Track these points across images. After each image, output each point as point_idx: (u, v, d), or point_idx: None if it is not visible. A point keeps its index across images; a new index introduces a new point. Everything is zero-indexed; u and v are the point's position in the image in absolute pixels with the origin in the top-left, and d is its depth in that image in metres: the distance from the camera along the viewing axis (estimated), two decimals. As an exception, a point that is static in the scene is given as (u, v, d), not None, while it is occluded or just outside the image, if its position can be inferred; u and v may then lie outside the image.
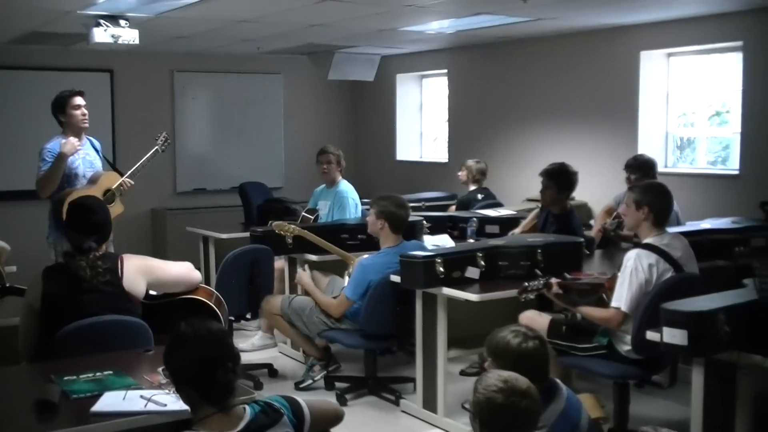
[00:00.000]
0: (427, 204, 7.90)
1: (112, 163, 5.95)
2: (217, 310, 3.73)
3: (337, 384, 5.44)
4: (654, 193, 4.29)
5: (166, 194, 9.29)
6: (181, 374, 2.31)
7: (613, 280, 4.23)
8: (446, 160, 9.33)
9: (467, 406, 2.93)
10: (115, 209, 5.32)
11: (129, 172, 5.55)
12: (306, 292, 5.41)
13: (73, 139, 5.34)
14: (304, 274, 5.44)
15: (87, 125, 5.52)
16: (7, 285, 3.97)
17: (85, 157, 5.50)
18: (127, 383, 2.87)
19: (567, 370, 4.46)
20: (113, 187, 5.46)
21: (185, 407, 2.39)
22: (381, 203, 5.19)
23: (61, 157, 5.27)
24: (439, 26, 7.31)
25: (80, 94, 5.51)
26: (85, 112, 5.48)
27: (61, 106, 5.45)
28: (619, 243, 5.95)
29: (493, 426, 2.45)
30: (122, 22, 6.16)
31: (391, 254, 5.07)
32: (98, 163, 5.63)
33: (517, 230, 6.16)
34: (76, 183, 5.42)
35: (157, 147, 5.82)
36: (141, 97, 9.14)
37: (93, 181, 5.43)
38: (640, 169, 5.99)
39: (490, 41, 8.36)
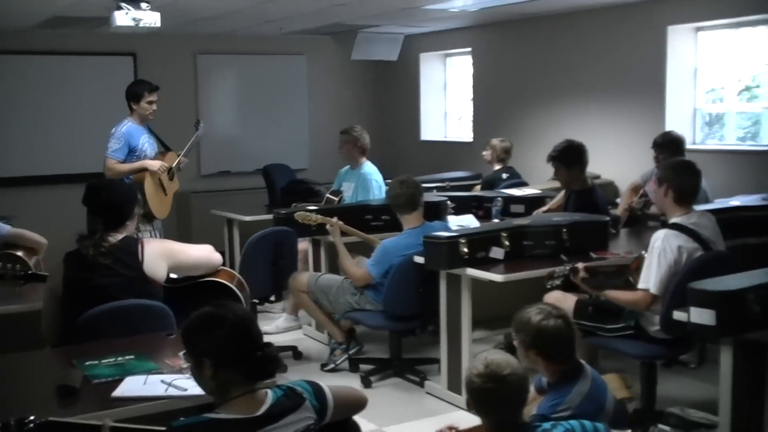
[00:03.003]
0: (452, 184, 7.88)
1: (167, 145, 6.27)
2: (239, 293, 3.74)
3: (362, 366, 5.44)
4: (676, 170, 4.24)
5: (191, 177, 9.27)
6: (225, 353, 2.28)
7: (639, 260, 4.19)
8: (471, 140, 9.30)
9: None
10: (173, 186, 6.17)
11: (183, 151, 6.22)
12: (336, 268, 5.36)
13: (160, 165, 5.95)
14: (335, 230, 5.43)
15: (153, 118, 6.10)
16: (30, 272, 3.98)
17: (149, 140, 6.06)
18: (149, 367, 2.87)
19: (593, 350, 4.45)
20: (174, 165, 6.14)
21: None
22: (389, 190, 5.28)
23: (143, 166, 5.88)
24: (462, 3, 7.25)
25: (156, 89, 6.11)
26: (155, 108, 6.08)
27: (137, 97, 6.00)
28: (646, 221, 5.91)
29: (476, 406, 2.56)
30: (143, 4, 6.16)
31: (414, 235, 5.06)
32: (156, 146, 6.16)
33: (543, 209, 6.13)
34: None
35: (198, 133, 6.48)
36: (164, 80, 8.90)
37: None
38: (668, 147, 5.94)
39: (515, 18, 8.29)
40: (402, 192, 5.17)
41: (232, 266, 6.51)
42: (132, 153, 5.91)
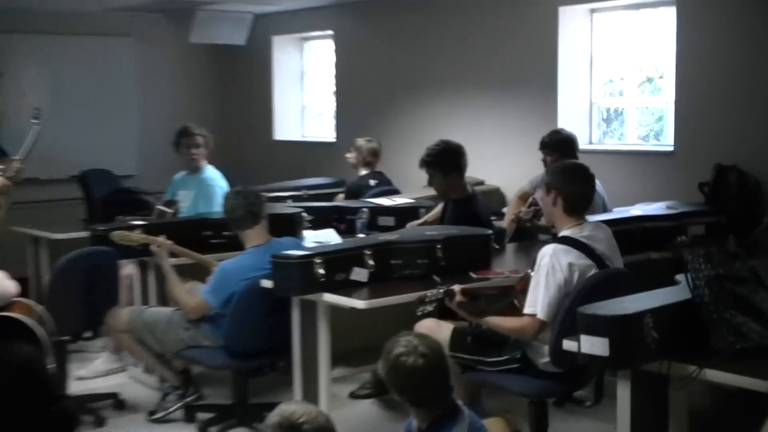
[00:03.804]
0: (310, 192, 7.88)
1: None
2: (37, 329, 3.56)
3: (200, 414, 5.33)
4: (565, 175, 4.31)
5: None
6: (2, 412, 2.14)
7: (525, 280, 4.22)
8: (333, 140, 9.33)
9: None
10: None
11: (20, 153, 6.18)
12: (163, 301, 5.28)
13: None
14: (161, 251, 5.35)
15: None
16: None
17: None
18: None
19: (476, 387, 4.47)
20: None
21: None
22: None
23: None
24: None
25: None
26: None
27: None
28: (536, 235, 6.03)
29: None
30: None
31: (260, 254, 5.01)
32: None
33: (417, 222, 6.18)
34: None
35: (36, 126, 6.36)
36: (-48, 66, 8.76)
37: None
38: (558, 147, 6.07)
39: (384, -4, 8.41)
40: (238, 203, 5.13)
41: (39, 296, 6.23)
42: None
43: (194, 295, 5.20)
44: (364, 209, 6.51)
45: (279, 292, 4.78)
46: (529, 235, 6.09)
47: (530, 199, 6.07)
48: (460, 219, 5.57)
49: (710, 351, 3.37)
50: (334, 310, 4.67)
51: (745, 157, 6.17)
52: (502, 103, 7.76)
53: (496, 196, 7.45)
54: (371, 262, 4.87)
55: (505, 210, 6.81)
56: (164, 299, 5.66)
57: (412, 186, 7.59)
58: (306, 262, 4.64)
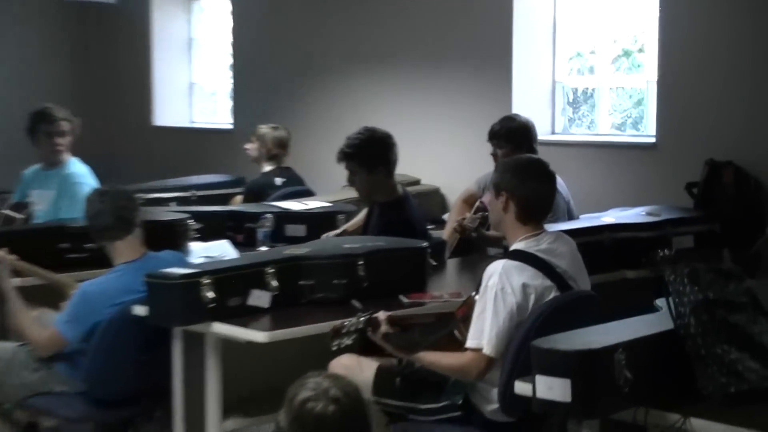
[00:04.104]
0: (200, 193, 7.88)
1: None
2: None
3: (50, 481, 5.26)
4: (519, 173, 4.30)
5: None
6: None
7: (468, 306, 4.21)
8: (230, 126, 9.34)
9: None
10: None
11: None
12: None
13: None
14: (2, 267, 5.25)
15: None
16: None
17: None
18: None
19: (406, 441, 4.47)
20: None
21: None
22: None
23: None
24: None
25: None
26: None
27: None
28: (484, 248, 6.04)
29: None
30: None
31: (131, 273, 4.93)
32: None
33: (335, 232, 6.19)
34: None
35: None
36: None
37: None
38: (510, 138, 6.11)
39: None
40: (104, 208, 5.04)
41: None
42: None
43: (45, 326, 5.09)
44: (268, 215, 6.48)
45: (156, 321, 4.71)
46: (476, 249, 6.10)
47: (477, 203, 6.08)
48: (388, 227, 5.60)
49: (697, 395, 3.35)
50: (227, 344, 4.63)
51: (744, 152, 6.27)
52: (442, 82, 7.79)
53: (434, 199, 7.51)
54: (275, 283, 4.83)
55: (445, 217, 6.82)
56: (4, 331, 5.54)
57: (329, 186, 7.60)
58: (191, 282, 4.59)
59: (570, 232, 4.61)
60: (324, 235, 6.13)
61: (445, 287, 5.27)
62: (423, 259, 5.32)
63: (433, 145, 7.66)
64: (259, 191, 7.48)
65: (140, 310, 4.79)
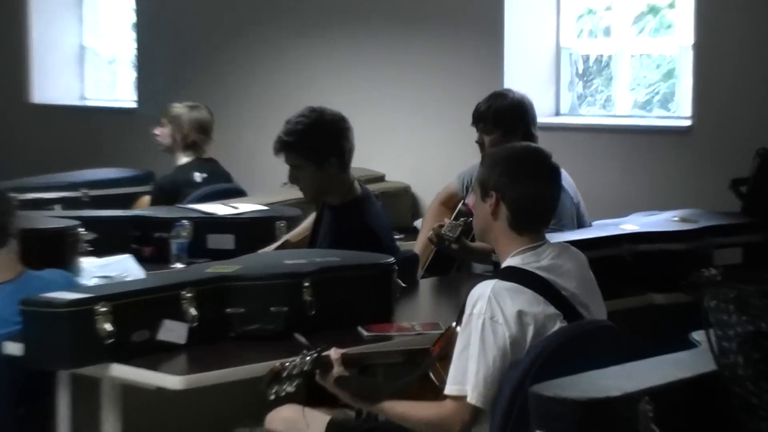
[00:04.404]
0: (94, 193, 7.82)
1: None
2: None
3: None
4: (511, 166, 4.20)
5: None
6: None
7: (446, 340, 4.18)
8: (133, 105, 9.40)
9: None
10: None
11: None
12: None
13: None
14: None
15: None
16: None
17: None
18: None
19: None
20: None
21: None
22: None
23: None
24: None
25: None
26: None
27: None
28: (467, 263, 6.04)
29: None
30: None
31: (2, 298, 4.86)
32: None
33: (274, 245, 6.13)
34: None
35: None
36: None
37: None
38: (500, 121, 6.04)
39: None
40: None
41: None
42: None
43: None
44: (185, 222, 6.42)
45: (35, 363, 4.64)
46: (457, 265, 6.10)
47: (459, 206, 6.09)
48: (343, 238, 5.54)
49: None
50: (131, 391, 4.58)
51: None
52: (414, 49, 7.81)
53: (403, 201, 7.56)
54: (194, 312, 4.72)
55: (418, 224, 6.85)
56: None
57: (265, 184, 7.66)
58: (82, 311, 4.48)
59: (579, 244, 4.54)
60: (262, 250, 6.04)
61: (417, 316, 5.21)
62: (388, 280, 5.22)
63: (403, 131, 7.74)
64: (172, 190, 7.43)
65: (14, 348, 4.71)
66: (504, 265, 4.15)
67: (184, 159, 7.61)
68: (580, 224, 5.94)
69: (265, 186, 7.57)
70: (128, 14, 9.60)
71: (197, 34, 8.97)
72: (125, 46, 9.74)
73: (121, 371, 4.48)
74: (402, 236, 6.31)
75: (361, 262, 5.28)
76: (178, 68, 8.97)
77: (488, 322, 3.95)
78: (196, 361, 4.62)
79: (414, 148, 7.67)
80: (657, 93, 7.43)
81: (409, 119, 7.73)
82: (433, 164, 7.39)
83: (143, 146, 8.33)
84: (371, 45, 8.03)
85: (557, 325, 4.02)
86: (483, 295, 3.99)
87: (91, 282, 5.32)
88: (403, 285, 5.44)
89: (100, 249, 6.17)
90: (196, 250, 6.36)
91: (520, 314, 3.97)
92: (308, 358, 4.12)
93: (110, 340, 4.50)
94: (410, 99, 7.74)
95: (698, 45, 6.75)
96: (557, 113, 7.42)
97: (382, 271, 5.24)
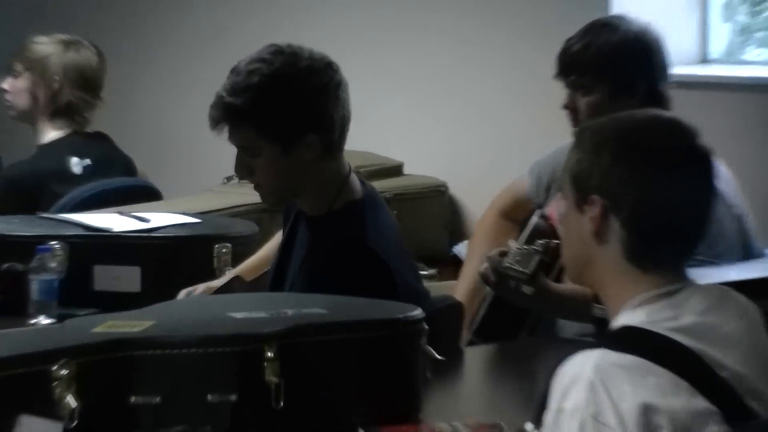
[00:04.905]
0: None
1: None
2: None
3: None
4: (629, 152, 3.30)
5: None
6: None
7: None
8: None
9: None
10: None
11: None
12: None
13: None
14: None
15: None
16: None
17: None
18: None
19: None
20: None
21: None
22: None
23: None
24: None
25: None
26: None
27: None
28: (549, 318, 5.03)
29: None
30: None
31: None
32: None
33: (211, 283, 4.91)
34: None
35: None
36: None
37: None
38: (607, 68, 4.90)
39: None
40: None
41: None
42: None
43: None
44: (54, 245, 5.15)
45: None
46: (530, 322, 5.01)
47: (533, 221, 4.94)
48: (329, 272, 4.23)
49: None
50: None
51: None
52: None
53: (435, 209, 6.81)
54: (71, 403, 3.59)
55: (461, 249, 6.02)
56: None
57: (194, 179, 7.08)
58: None
59: (746, 287, 3.59)
60: (184, 291, 4.72)
61: (461, 411, 4.06)
62: (411, 348, 3.89)
63: (431, 97, 6.56)
64: (31, 187, 6.30)
65: None
66: (618, 323, 3.29)
67: (52, 133, 6.24)
68: (748, 251, 4.81)
69: (194, 183, 6.77)
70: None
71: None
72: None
73: None
74: (434, 271, 5.73)
75: (361, 316, 3.89)
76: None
77: (590, 424, 3.13)
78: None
79: (449, 124, 6.57)
80: None
81: (444, 79, 6.57)
82: (482, 150, 6.51)
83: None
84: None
85: (712, 431, 3.18)
86: (580, 377, 3.20)
87: None
88: (438, 357, 4.06)
89: None
90: (76, 293, 5.03)
91: (647, 411, 3.15)
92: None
93: None
94: (443, 49, 6.59)
95: None
96: (704, 60, 6.56)
97: (400, 333, 3.90)
